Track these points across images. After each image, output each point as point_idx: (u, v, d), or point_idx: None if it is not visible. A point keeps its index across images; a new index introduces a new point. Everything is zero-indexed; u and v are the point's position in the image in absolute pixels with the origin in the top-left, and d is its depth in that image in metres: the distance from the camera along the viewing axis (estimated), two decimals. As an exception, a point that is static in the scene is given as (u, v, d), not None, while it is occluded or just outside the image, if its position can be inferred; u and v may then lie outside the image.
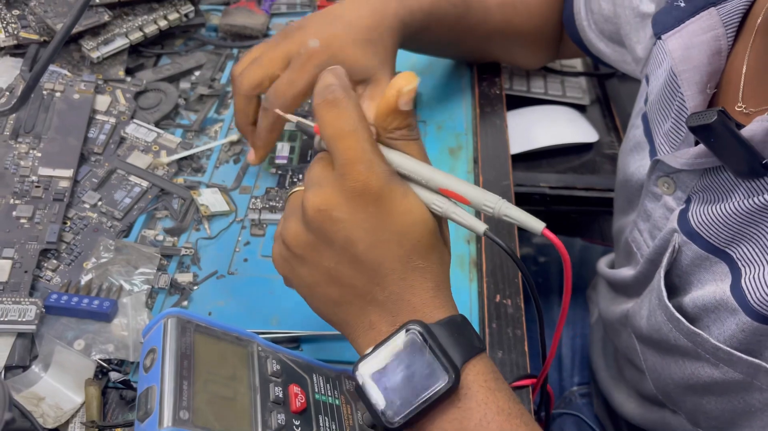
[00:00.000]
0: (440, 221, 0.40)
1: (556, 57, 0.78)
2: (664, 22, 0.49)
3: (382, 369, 0.36)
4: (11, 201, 0.55)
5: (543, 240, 0.89)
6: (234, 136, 0.65)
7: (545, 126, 0.78)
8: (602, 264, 0.67)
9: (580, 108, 0.83)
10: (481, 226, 0.37)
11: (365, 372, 0.36)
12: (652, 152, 0.54)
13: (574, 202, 0.75)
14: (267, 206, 0.59)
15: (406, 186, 0.38)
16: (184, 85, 0.71)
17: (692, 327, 0.45)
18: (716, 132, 0.41)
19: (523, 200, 0.73)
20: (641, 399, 0.62)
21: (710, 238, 0.45)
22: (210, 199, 0.59)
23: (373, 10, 0.58)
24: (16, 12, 0.69)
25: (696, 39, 0.46)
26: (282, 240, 0.40)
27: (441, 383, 0.35)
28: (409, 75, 0.36)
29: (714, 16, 0.45)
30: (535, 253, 0.87)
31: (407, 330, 0.36)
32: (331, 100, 0.37)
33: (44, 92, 0.63)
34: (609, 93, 0.86)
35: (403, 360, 0.36)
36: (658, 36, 0.49)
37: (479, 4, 0.67)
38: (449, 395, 0.35)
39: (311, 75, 0.54)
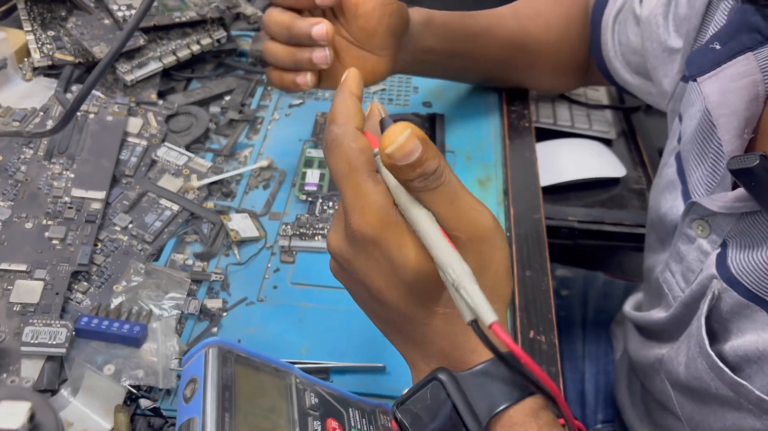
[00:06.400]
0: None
1: (582, 83, 0.78)
2: (699, 65, 0.49)
3: (416, 413, 0.35)
4: (44, 221, 0.55)
5: (565, 273, 0.89)
6: (264, 162, 0.65)
7: (573, 159, 0.78)
8: (629, 307, 0.66)
9: (606, 142, 0.83)
10: (468, 315, 0.32)
11: (402, 415, 0.36)
12: (685, 193, 0.53)
13: (602, 237, 0.74)
14: (297, 233, 0.59)
15: (403, 233, 0.35)
16: (215, 109, 0.71)
17: (736, 377, 0.44)
18: (757, 176, 0.41)
19: (551, 233, 0.72)
20: None
21: (751, 286, 0.44)
22: (240, 225, 0.59)
23: None
24: (51, 33, 0.70)
25: (733, 84, 0.46)
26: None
27: None
28: (397, 129, 0.32)
29: (751, 62, 0.45)
30: (558, 286, 0.87)
31: (433, 380, 0.35)
32: (329, 143, 0.37)
33: (78, 114, 0.63)
34: (635, 127, 0.86)
35: (430, 411, 0.35)
36: (693, 78, 0.49)
37: (490, 10, 0.67)
38: None
39: None
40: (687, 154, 0.53)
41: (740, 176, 0.43)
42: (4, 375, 0.46)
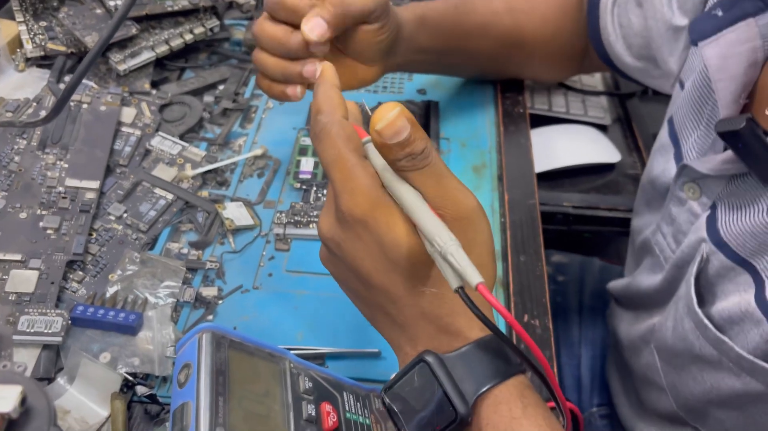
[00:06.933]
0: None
1: (579, 71, 0.78)
2: (701, 30, 0.49)
3: (403, 396, 0.36)
4: (38, 211, 0.55)
5: (561, 259, 0.89)
6: (258, 151, 0.65)
7: (567, 145, 0.78)
8: (617, 284, 0.67)
9: (601, 128, 0.83)
10: (455, 282, 0.33)
11: (391, 399, 0.36)
12: (677, 156, 0.54)
13: (597, 222, 0.74)
14: (291, 221, 0.59)
15: (391, 212, 0.36)
16: (208, 98, 0.71)
17: (718, 333, 0.45)
18: (744, 138, 0.42)
19: (546, 219, 0.73)
20: (660, 422, 0.61)
21: (737, 249, 0.45)
22: (235, 213, 0.59)
23: None
24: (43, 23, 0.70)
25: (733, 49, 0.46)
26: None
27: (450, 418, 0.34)
28: (387, 107, 0.34)
29: (752, 28, 0.46)
30: (554, 272, 0.87)
31: (420, 362, 0.36)
32: (317, 132, 0.38)
33: (71, 103, 0.63)
34: (630, 113, 0.86)
35: (418, 393, 0.36)
36: (694, 43, 0.49)
37: (484, 6, 0.67)
38: (462, 427, 0.35)
39: None
40: (682, 118, 0.54)
41: (728, 138, 0.44)
42: (-2, 361, 0.46)
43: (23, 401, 0.30)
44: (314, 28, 0.50)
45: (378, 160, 0.37)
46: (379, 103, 0.36)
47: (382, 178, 0.37)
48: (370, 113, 0.39)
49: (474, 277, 0.32)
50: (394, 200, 0.36)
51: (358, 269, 0.37)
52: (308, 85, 0.55)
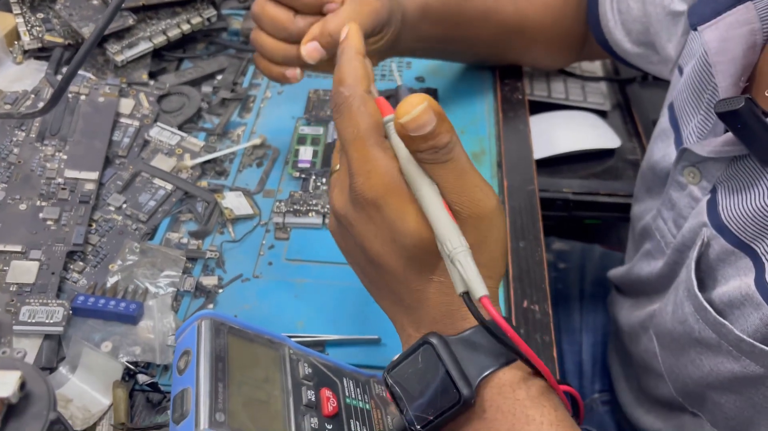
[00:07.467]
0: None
1: (579, 58, 0.78)
2: (700, 14, 0.49)
3: (406, 378, 0.36)
4: (38, 203, 0.55)
5: (562, 247, 0.89)
6: (257, 140, 0.65)
7: (567, 131, 0.78)
8: (617, 271, 0.67)
9: (601, 113, 0.83)
10: (460, 286, 0.33)
11: (393, 380, 0.36)
12: (678, 141, 0.54)
13: (597, 208, 0.75)
14: (291, 210, 0.59)
15: (405, 200, 0.35)
16: (206, 88, 0.71)
17: (718, 317, 0.45)
18: (743, 118, 0.42)
19: (546, 205, 0.73)
20: (659, 409, 0.61)
21: (738, 233, 0.45)
22: (234, 203, 0.59)
23: None
24: (40, 15, 0.70)
25: (733, 32, 0.46)
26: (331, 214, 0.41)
27: (453, 400, 0.34)
28: (414, 100, 0.33)
29: (751, 10, 0.46)
30: (555, 259, 0.87)
31: (424, 344, 0.36)
32: (338, 105, 0.37)
33: (69, 95, 0.63)
34: (630, 98, 0.86)
35: (422, 374, 0.36)
36: (694, 27, 0.49)
37: None
38: (466, 409, 0.35)
39: None
40: (682, 103, 0.54)
41: (727, 119, 0.44)
42: (-3, 348, 0.47)
43: (22, 386, 0.30)
44: (312, 53, 0.51)
45: (399, 143, 0.36)
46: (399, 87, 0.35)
47: (402, 164, 0.36)
48: (399, 81, 0.38)
49: (479, 290, 0.32)
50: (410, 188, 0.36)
51: (367, 249, 0.37)
52: (307, 67, 0.55)
